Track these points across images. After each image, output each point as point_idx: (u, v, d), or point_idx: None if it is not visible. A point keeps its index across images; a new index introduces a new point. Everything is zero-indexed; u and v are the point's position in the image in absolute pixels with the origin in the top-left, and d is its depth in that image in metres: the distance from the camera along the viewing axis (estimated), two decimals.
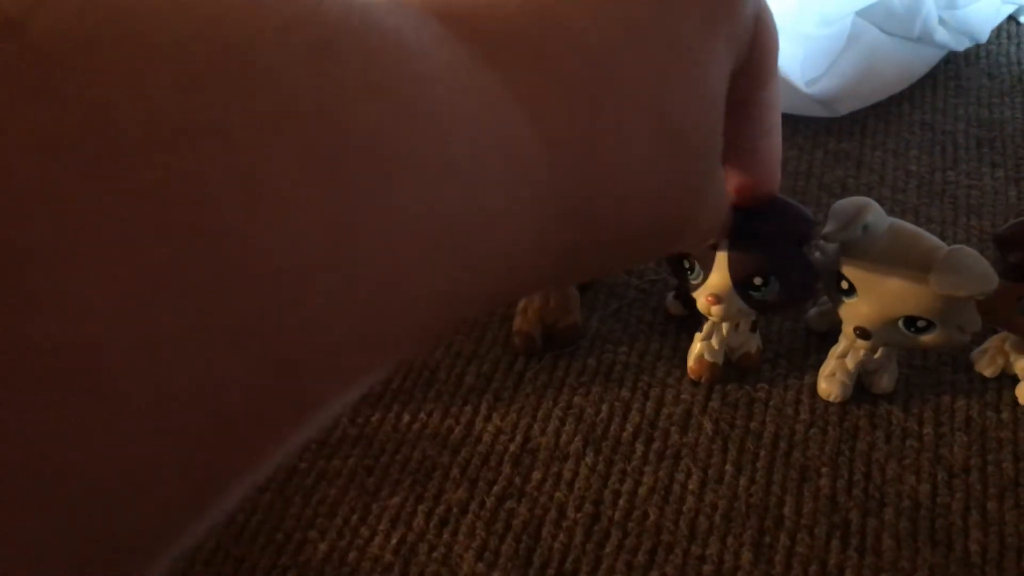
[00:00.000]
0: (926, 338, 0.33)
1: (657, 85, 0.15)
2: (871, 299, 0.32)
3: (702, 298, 0.34)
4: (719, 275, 0.33)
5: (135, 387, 0.08)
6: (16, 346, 0.07)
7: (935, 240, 0.32)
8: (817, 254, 0.35)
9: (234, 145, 0.09)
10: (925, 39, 0.52)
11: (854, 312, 0.33)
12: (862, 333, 0.33)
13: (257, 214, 0.09)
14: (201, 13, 0.09)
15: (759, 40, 0.19)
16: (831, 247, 0.34)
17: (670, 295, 0.40)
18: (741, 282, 0.33)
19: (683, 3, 0.16)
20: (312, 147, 0.09)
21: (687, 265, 0.34)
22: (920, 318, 0.32)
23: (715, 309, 0.34)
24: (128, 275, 0.08)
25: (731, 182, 0.23)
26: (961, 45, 0.54)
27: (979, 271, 0.30)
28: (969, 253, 0.31)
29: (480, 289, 0.13)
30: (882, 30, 0.51)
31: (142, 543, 0.09)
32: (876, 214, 0.32)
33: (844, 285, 0.33)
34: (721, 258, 0.32)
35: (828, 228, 0.32)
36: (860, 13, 0.50)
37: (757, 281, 0.32)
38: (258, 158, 0.09)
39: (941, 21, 0.52)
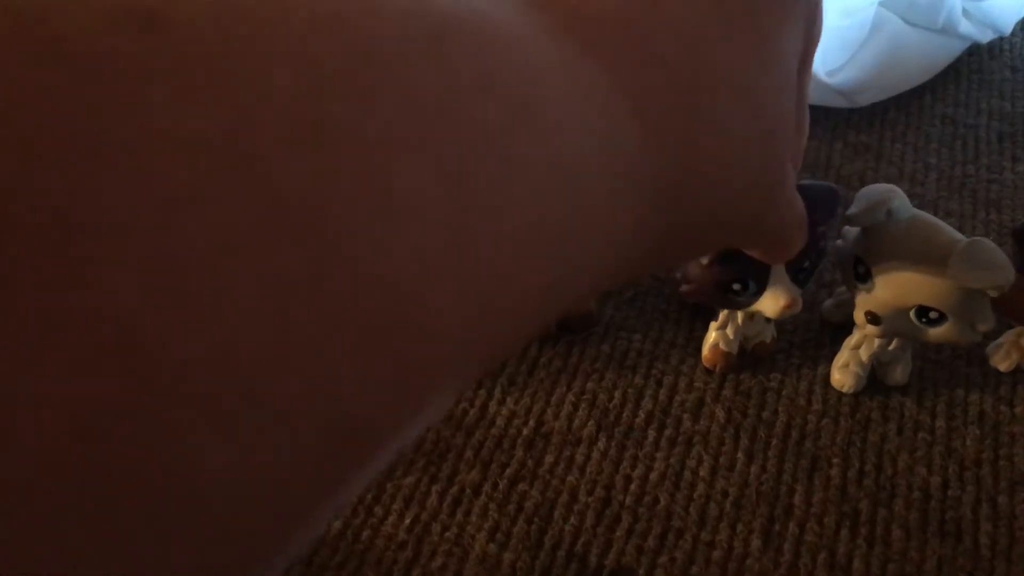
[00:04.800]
0: (936, 331, 0.33)
1: (749, 70, 0.15)
2: (886, 286, 0.32)
3: (776, 305, 0.33)
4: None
5: (267, 392, 0.08)
6: (180, 365, 0.07)
7: (955, 232, 0.32)
8: (839, 241, 0.35)
9: (362, 145, 0.09)
10: (948, 31, 0.51)
11: (867, 297, 0.33)
12: (872, 318, 0.33)
13: (384, 217, 0.09)
14: (323, 10, 0.09)
15: (817, 23, 0.18)
16: (852, 231, 0.34)
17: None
18: (793, 266, 0.33)
19: None
20: (434, 146, 0.09)
21: (737, 288, 0.33)
22: (933, 309, 0.32)
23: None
24: (267, 279, 0.08)
25: None
26: (985, 37, 0.53)
27: (998, 263, 0.30)
28: (988, 245, 0.31)
29: (580, 283, 0.12)
30: (905, 21, 0.50)
31: (256, 550, 0.09)
32: (900, 200, 0.32)
33: (861, 270, 0.33)
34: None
35: (852, 210, 0.32)
36: (883, 3, 0.49)
37: (805, 264, 0.33)
38: (385, 158, 0.09)
39: (965, 13, 0.51)
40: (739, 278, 0.33)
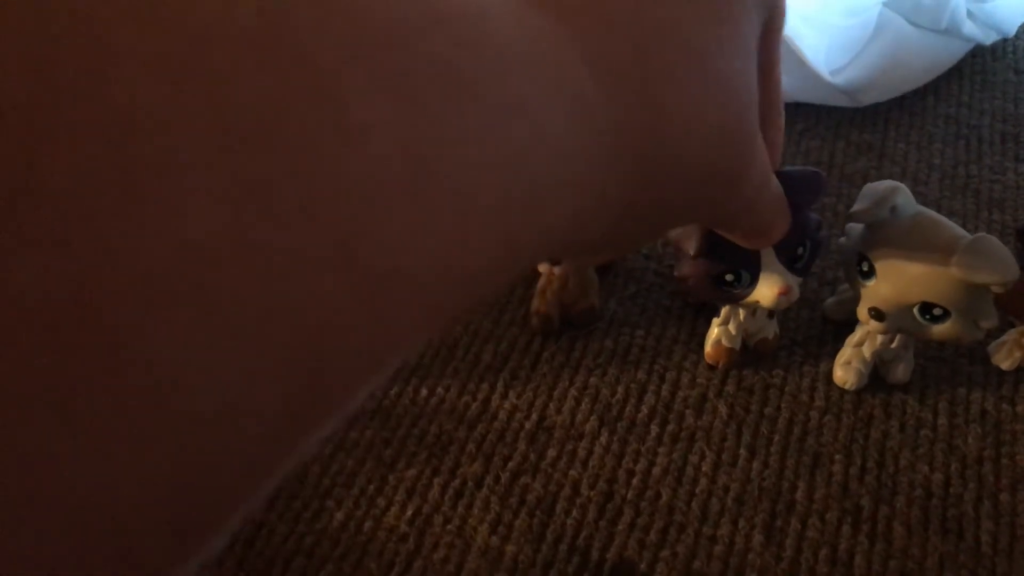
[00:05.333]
0: (939, 328, 0.33)
1: (704, 37, 0.15)
2: (890, 282, 0.33)
3: (770, 294, 0.33)
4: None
5: (241, 303, 0.08)
6: (135, 264, 0.07)
7: (959, 229, 0.32)
8: (843, 239, 0.35)
9: (316, 69, 0.09)
10: (952, 31, 0.51)
11: (871, 293, 0.33)
12: (876, 314, 0.33)
13: (338, 133, 0.09)
14: None
15: (776, 11, 0.19)
16: (856, 228, 0.34)
17: None
18: (786, 254, 0.33)
19: None
20: (386, 72, 0.10)
21: (729, 279, 0.33)
22: (936, 305, 0.32)
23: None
24: (232, 189, 0.08)
25: None
26: (988, 39, 0.54)
27: (1003, 259, 0.30)
28: (994, 241, 0.31)
29: (547, 234, 0.13)
30: (909, 21, 0.51)
31: (239, 475, 0.09)
32: (905, 196, 0.32)
33: (865, 267, 0.33)
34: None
35: (857, 206, 0.32)
36: (887, 3, 0.50)
37: (800, 251, 0.33)
38: (338, 81, 0.09)
39: (969, 14, 0.52)
40: (731, 269, 0.33)
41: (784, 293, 0.33)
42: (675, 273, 0.34)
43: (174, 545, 0.08)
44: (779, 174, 0.24)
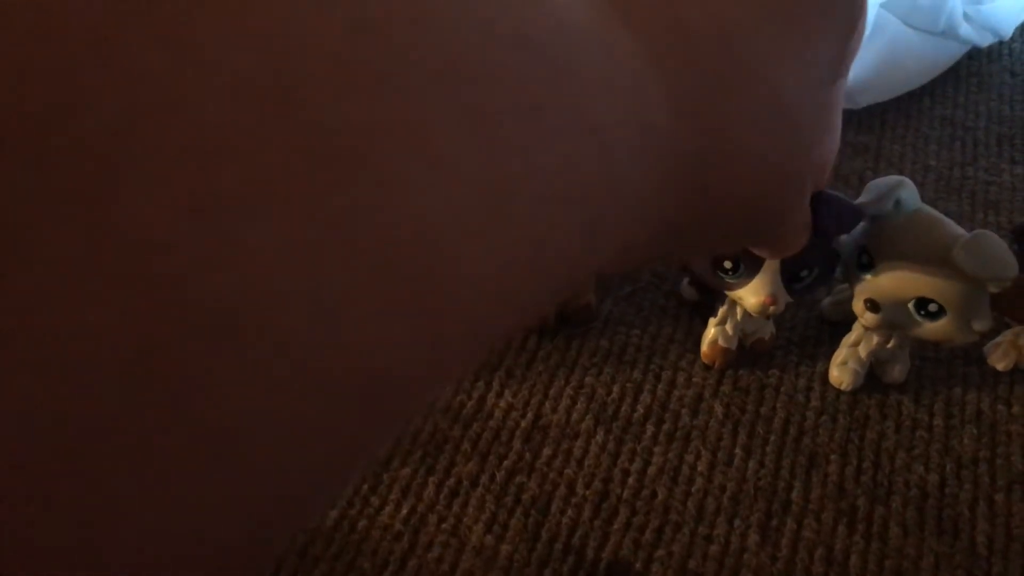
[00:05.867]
0: (933, 325, 0.33)
1: (780, 66, 0.15)
2: (888, 275, 0.33)
3: (755, 298, 0.33)
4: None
5: (302, 345, 0.08)
6: (199, 302, 0.07)
7: (958, 228, 0.32)
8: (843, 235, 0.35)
9: (396, 96, 0.09)
10: (949, 34, 0.51)
11: (869, 285, 0.33)
12: (872, 306, 0.33)
13: (420, 165, 0.09)
14: None
15: (856, 35, 0.18)
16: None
17: (684, 280, 0.41)
18: (791, 271, 0.33)
19: None
20: (470, 104, 0.09)
21: (728, 266, 0.33)
22: (932, 301, 0.32)
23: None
24: (301, 220, 0.08)
25: None
26: (985, 41, 0.54)
27: (1002, 256, 0.30)
28: (994, 238, 0.31)
29: (602, 253, 0.12)
30: (906, 23, 0.51)
31: (287, 501, 0.08)
32: (909, 191, 0.32)
33: (864, 259, 0.33)
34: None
35: (861, 199, 0.32)
36: (884, 5, 0.50)
37: (803, 273, 0.33)
38: (422, 107, 0.09)
39: (965, 16, 0.52)
40: (733, 258, 0.33)
41: (769, 303, 0.33)
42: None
43: None
44: (821, 197, 0.24)
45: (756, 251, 0.27)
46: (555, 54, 0.11)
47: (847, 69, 0.19)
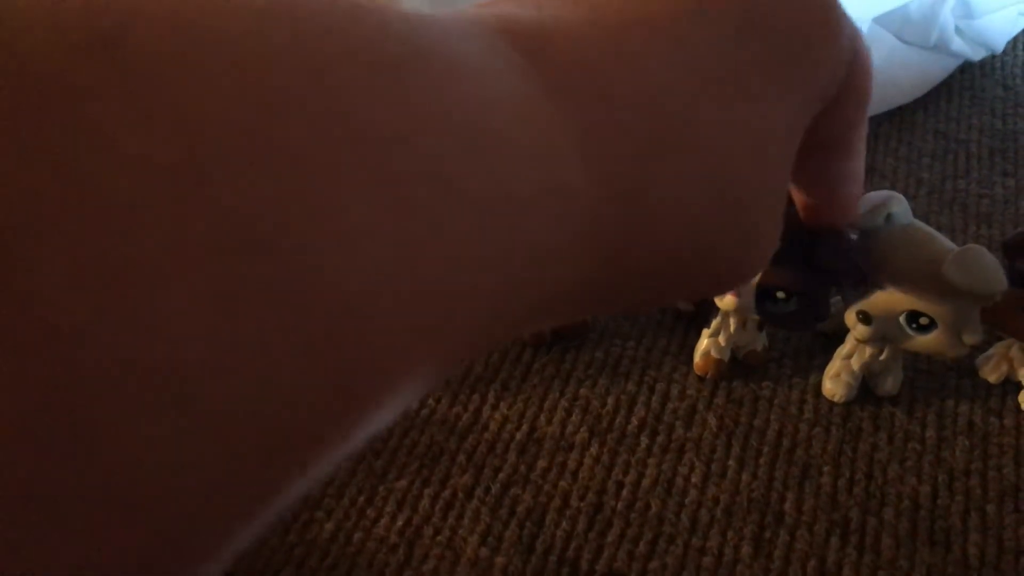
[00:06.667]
0: (924, 339, 0.33)
1: (720, 136, 0.15)
2: (880, 288, 0.33)
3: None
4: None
5: (205, 395, 0.08)
6: (120, 364, 0.07)
7: (949, 242, 0.32)
8: None
9: (310, 171, 0.09)
10: (941, 48, 0.52)
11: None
12: (864, 318, 0.34)
13: (329, 240, 0.09)
14: (279, 37, 0.09)
15: (852, 83, 0.18)
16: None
17: None
18: (764, 289, 0.32)
19: (759, 54, 0.15)
20: (383, 174, 0.09)
21: None
22: (923, 315, 0.32)
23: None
24: (209, 289, 0.08)
25: (799, 200, 0.22)
26: (977, 55, 0.54)
27: (991, 270, 0.31)
28: (984, 252, 0.31)
29: (519, 318, 0.13)
30: (898, 38, 0.51)
31: (190, 551, 0.09)
32: (901, 206, 0.32)
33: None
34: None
35: None
36: (877, 20, 0.50)
37: (780, 295, 0.32)
38: (331, 184, 0.09)
39: (957, 30, 0.52)
40: None
41: (735, 306, 0.34)
42: None
43: None
44: (845, 242, 0.23)
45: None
46: (472, 126, 0.11)
47: (848, 126, 0.19)
